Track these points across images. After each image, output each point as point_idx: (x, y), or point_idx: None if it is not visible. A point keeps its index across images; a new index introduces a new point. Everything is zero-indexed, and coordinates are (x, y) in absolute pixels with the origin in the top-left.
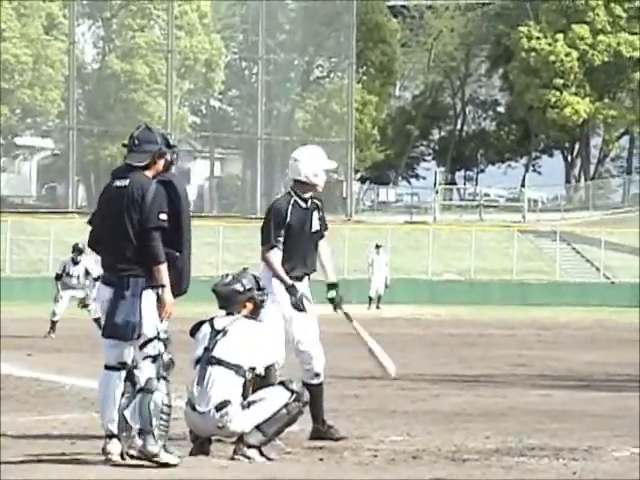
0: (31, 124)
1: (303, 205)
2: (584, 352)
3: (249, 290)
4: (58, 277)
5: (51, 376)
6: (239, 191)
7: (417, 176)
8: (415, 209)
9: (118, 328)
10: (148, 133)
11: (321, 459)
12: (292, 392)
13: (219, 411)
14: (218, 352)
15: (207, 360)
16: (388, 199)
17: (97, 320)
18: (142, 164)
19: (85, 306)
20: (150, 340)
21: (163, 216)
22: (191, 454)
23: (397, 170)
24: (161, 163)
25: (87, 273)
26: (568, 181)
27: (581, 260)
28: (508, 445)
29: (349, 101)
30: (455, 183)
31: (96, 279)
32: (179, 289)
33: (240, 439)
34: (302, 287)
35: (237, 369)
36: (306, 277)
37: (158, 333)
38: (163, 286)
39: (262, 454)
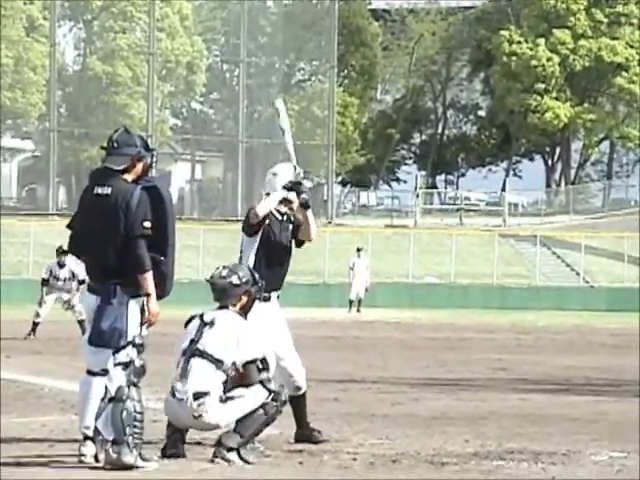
0: (11, 126)
1: (279, 217)
2: (563, 356)
3: (245, 283)
4: (44, 282)
5: (30, 378)
6: (220, 194)
7: (398, 180)
8: (396, 213)
9: (104, 335)
10: (127, 136)
11: (301, 462)
12: (270, 392)
13: (196, 400)
14: (202, 344)
15: (192, 351)
16: (369, 202)
17: (81, 322)
18: (121, 167)
19: (70, 307)
20: (123, 347)
21: (147, 224)
22: (164, 450)
23: (378, 174)
24: (140, 166)
25: (73, 275)
26: (549, 185)
27: (561, 264)
28: (487, 449)
29: (330, 104)
30: (436, 187)
31: (81, 282)
32: (162, 292)
33: (219, 442)
34: (271, 305)
35: (218, 364)
36: (273, 293)
37: (133, 339)
38: (148, 295)
39: (241, 458)
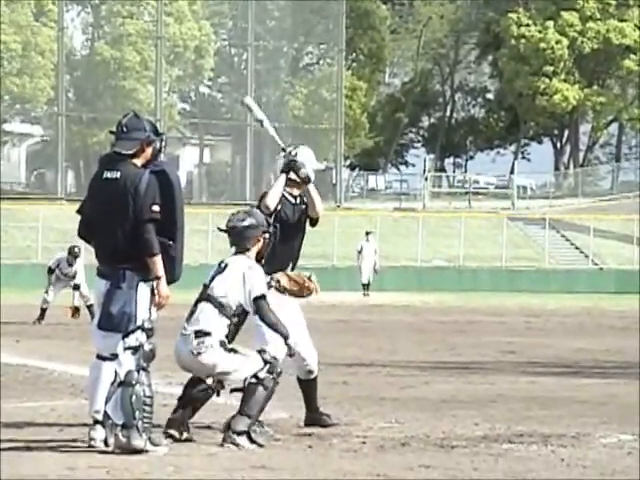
0: (20, 110)
1: (292, 201)
2: (572, 339)
3: (261, 225)
4: (51, 271)
5: (40, 363)
6: (228, 178)
7: (406, 163)
8: (404, 196)
9: (113, 320)
10: (136, 120)
11: (310, 446)
12: (265, 362)
13: (197, 338)
14: (211, 289)
15: (202, 296)
16: (377, 186)
17: (90, 307)
18: (131, 152)
19: (77, 287)
20: (133, 331)
21: (156, 207)
22: (167, 427)
23: (386, 157)
24: (149, 151)
25: (75, 276)
26: (557, 168)
27: (570, 247)
28: (496, 432)
29: (338, 88)
30: (444, 170)
31: (76, 287)
32: (171, 277)
33: (227, 427)
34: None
35: (222, 309)
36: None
37: (142, 323)
38: (158, 278)
39: (252, 441)
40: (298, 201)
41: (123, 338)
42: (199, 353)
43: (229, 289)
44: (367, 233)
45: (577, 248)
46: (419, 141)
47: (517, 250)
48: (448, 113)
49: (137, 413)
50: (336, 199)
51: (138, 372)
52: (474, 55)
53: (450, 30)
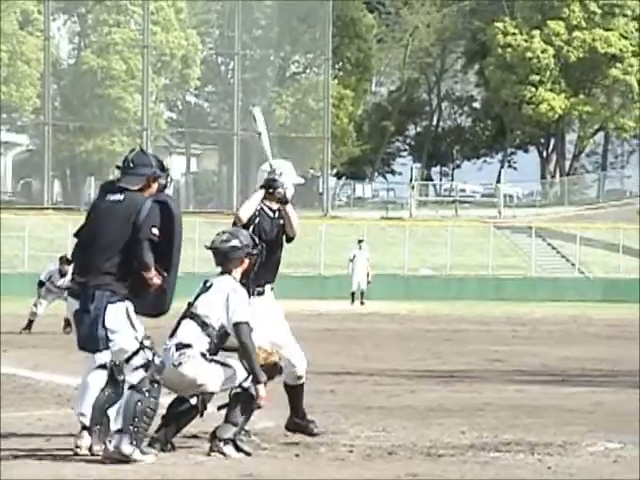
0: (6, 119)
1: (270, 215)
2: (559, 347)
3: (246, 246)
4: (41, 284)
5: (27, 372)
6: (215, 187)
7: (393, 172)
8: (391, 205)
9: (83, 341)
10: (143, 156)
11: (297, 455)
12: (248, 372)
13: (178, 350)
14: (195, 307)
15: (185, 313)
16: (364, 195)
17: None
18: (137, 188)
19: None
20: (135, 352)
21: (155, 230)
22: (150, 445)
23: (373, 166)
24: (155, 186)
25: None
26: (543, 177)
27: (556, 255)
28: (483, 440)
29: (325, 96)
30: (431, 179)
31: None
32: (161, 309)
33: (214, 436)
34: (265, 298)
35: (205, 327)
36: (267, 285)
37: (141, 342)
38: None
39: (238, 449)
40: (277, 215)
41: (127, 361)
42: (180, 363)
43: (212, 310)
44: (360, 241)
45: (563, 256)
46: (406, 150)
47: (504, 258)
48: (435, 122)
49: (136, 420)
50: (323, 208)
51: (151, 384)
52: (460, 64)
53: (436, 39)
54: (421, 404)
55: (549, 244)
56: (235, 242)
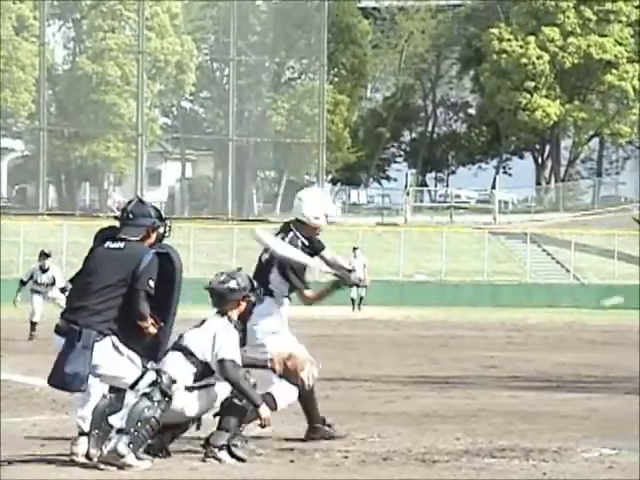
0: (1, 125)
1: (306, 248)
2: (554, 353)
3: (243, 289)
4: (22, 283)
5: (21, 378)
6: (210, 192)
7: (388, 178)
8: (386, 210)
9: (65, 378)
10: (141, 206)
11: (292, 460)
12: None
13: None
14: (184, 340)
15: (174, 345)
16: (359, 201)
17: None
18: (137, 239)
19: (63, 291)
20: (140, 377)
21: (152, 283)
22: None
23: (368, 172)
24: (154, 236)
25: (54, 282)
26: (538, 183)
27: (551, 261)
28: (478, 446)
29: (320, 102)
30: (426, 185)
31: (62, 290)
32: (154, 357)
33: (208, 443)
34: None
35: (191, 357)
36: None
37: (144, 366)
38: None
39: (232, 455)
40: (310, 249)
41: (131, 388)
42: None
43: (199, 345)
44: (354, 249)
45: (558, 262)
46: (401, 156)
47: (499, 265)
48: (430, 128)
49: (139, 424)
50: None
51: (162, 395)
52: (455, 70)
53: (432, 45)
54: (416, 410)
55: (544, 250)
56: (232, 284)
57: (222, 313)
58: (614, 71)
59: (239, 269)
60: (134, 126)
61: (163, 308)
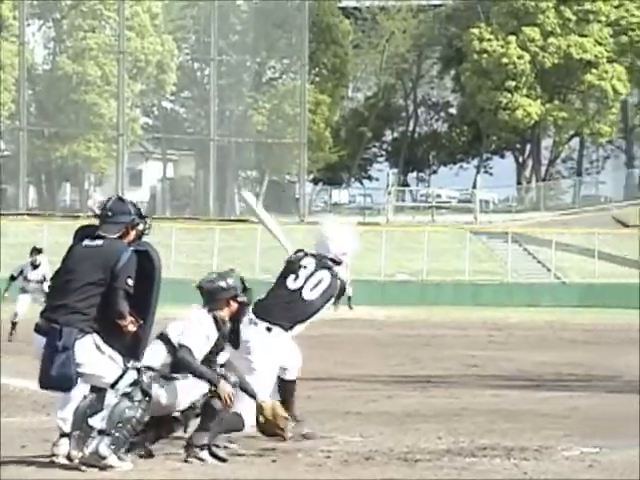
0: None
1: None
2: (535, 352)
3: (233, 288)
4: (12, 278)
5: (5, 379)
6: (192, 192)
7: (370, 177)
8: (368, 210)
9: (53, 380)
10: (121, 204)
11: (274, 460)
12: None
13: (145, 373)
14: (166, 327)
15: (159, 335)
16: (341, 200)
17: None
18: (115, 236)
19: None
20: (120, 377)
21: (130, 281)
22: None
23: (350, 171)
24: (133, 233)
25: (44, 279)
26: (519, 182)
27: (532, 261)
28: (460, 445)
29: (302, 102)
30: (407, 184)
31: None
32: (135, 356)
33: (189, 444)
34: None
35: (168, 345)
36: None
37: (125, 365)
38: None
39: (213, 455)
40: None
41: (113, 386)
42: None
43: (175, 330)
44: None
45: (539, 262)
46: (382, 155)
47: (480, 264)
48: (411, 127)
49: (120, 425)
50: (299, 213)
51: (143, 394)
52: (436, 70)
53: (413, 45)
54: (398, 409)
55: (525, 249)
56: (221, 283)
57: (211, 311)
58: (594, 71)
59: (231, 270)
60: (115, 126)
61: (142, 306)
